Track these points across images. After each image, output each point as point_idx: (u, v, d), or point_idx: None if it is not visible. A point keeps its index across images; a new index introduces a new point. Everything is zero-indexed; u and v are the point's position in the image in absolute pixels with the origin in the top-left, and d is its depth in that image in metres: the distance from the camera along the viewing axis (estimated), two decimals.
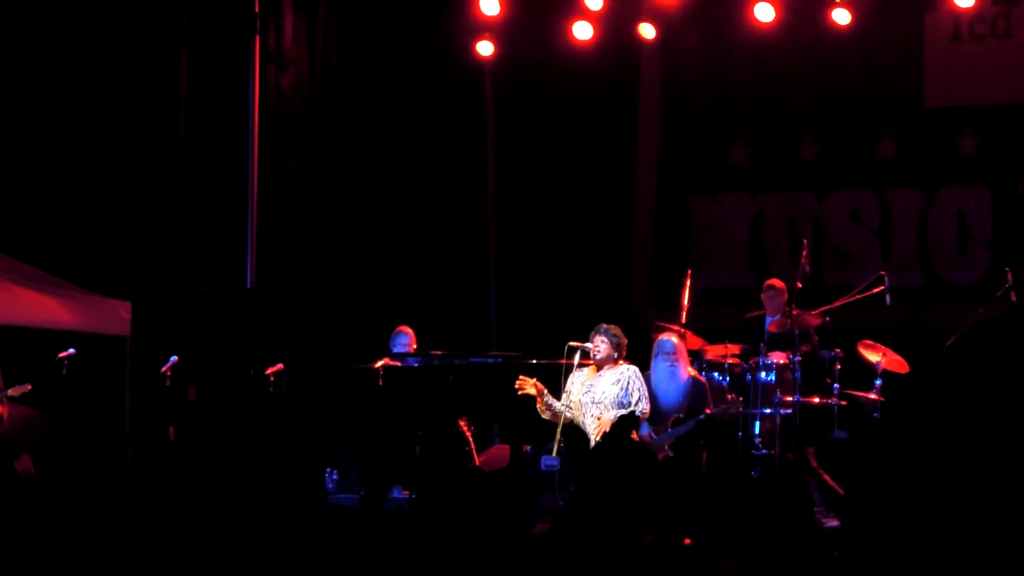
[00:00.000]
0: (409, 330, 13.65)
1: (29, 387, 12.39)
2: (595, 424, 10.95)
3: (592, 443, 10.83)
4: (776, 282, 14.01)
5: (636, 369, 11.25)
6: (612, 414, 10.95)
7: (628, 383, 11.11)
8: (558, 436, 11.23)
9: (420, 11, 15.95)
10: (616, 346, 11.19)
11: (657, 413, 12.10)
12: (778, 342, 13.71)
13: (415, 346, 13.52)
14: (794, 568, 5.94)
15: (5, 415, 12.25)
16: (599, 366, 11.18)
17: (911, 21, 15.06)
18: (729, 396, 13.05)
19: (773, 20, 14.87)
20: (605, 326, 11.24)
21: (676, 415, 12.39)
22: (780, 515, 6.18)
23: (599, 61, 15.83)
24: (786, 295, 13.80)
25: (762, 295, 14.04)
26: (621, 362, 11.24)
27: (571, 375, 11.28)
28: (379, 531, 6.13)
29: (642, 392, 11.15)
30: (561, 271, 16.26)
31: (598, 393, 11.09)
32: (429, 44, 16.06)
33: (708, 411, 12.52)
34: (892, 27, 15.06)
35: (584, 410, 11.09)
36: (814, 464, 12.22)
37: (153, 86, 14.48)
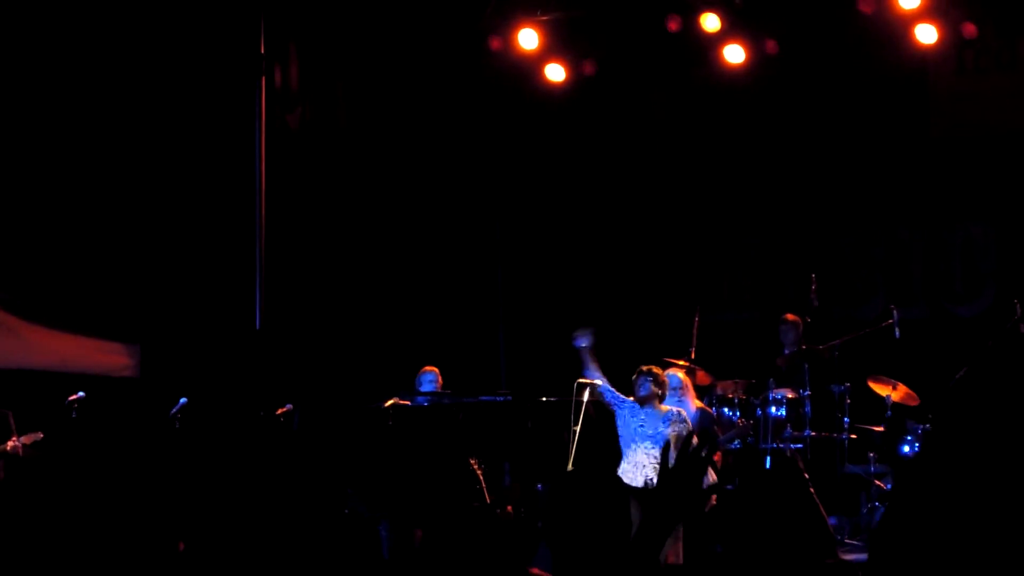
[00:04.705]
0: (435, 369, 13.67)
1: (41, 435, 12.38)
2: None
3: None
4: (791, 316, 14.06)
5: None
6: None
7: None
8: (572, 453, 11.28)
9: (425, 52, 15.99)
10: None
11: None
12: (787, 376, 13.75)
13: (441, 384, 13.53)
14: None
15: (21, 452, 12.26)
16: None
17: (915, 54, 15.08)
18: (739, 421, 13.09)
19: (775, 54, 14.95)
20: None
21: None
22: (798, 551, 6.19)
23: (605, 99, 15.89)
24: (801, 327, 13.86)
25: (779, 330, 14.08)
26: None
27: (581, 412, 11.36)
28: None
29: None
30: (569, 309, 16.26)
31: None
32: (434, 84, 16.10)
33: (721, 436, 12.56)
34: (896, 60, 15.10)
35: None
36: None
37: (159, 128, 14.50)
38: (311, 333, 15.09)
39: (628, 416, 11.36)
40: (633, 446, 11.24)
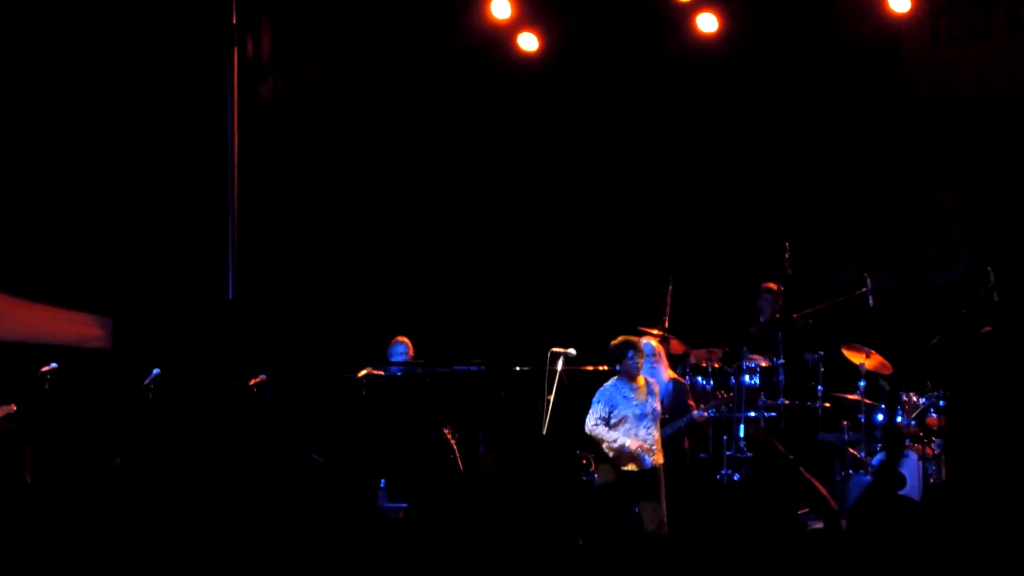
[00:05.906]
0: (406, 340, 13.64)
1: (14, 407, 12.34)
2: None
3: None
4: (771, 284, 14.06)
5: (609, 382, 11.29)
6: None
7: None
8: (546, 422, 11.27)
9: (397, 23, 15.93)
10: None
11: None
12: (761, 345, 13.78)
13: (412, 355, 13.51)
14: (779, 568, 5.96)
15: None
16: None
17: (889, 23, 15.06)
18: (720, 393, 13.07)
19: (746, 25, 14.96)
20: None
21: (660, 417, 12.41)
22: (764, 516, 6.22)
23: (578, 67, 15.88)
24: (782, 298, 13.87)
25: (759, 298, 14.09)
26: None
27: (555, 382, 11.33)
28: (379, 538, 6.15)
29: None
30: (543, 279, 16.28)
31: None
32: (407, 55, 16.05)
33: (696, 407, 12.53)
34: (869, 30, 15.08)
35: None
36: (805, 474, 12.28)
37: (131, 99, 14.43)
38: (284, 304, 15.07)
39: (622, 401, 11.19)
40: (636, 426, 11.08)
